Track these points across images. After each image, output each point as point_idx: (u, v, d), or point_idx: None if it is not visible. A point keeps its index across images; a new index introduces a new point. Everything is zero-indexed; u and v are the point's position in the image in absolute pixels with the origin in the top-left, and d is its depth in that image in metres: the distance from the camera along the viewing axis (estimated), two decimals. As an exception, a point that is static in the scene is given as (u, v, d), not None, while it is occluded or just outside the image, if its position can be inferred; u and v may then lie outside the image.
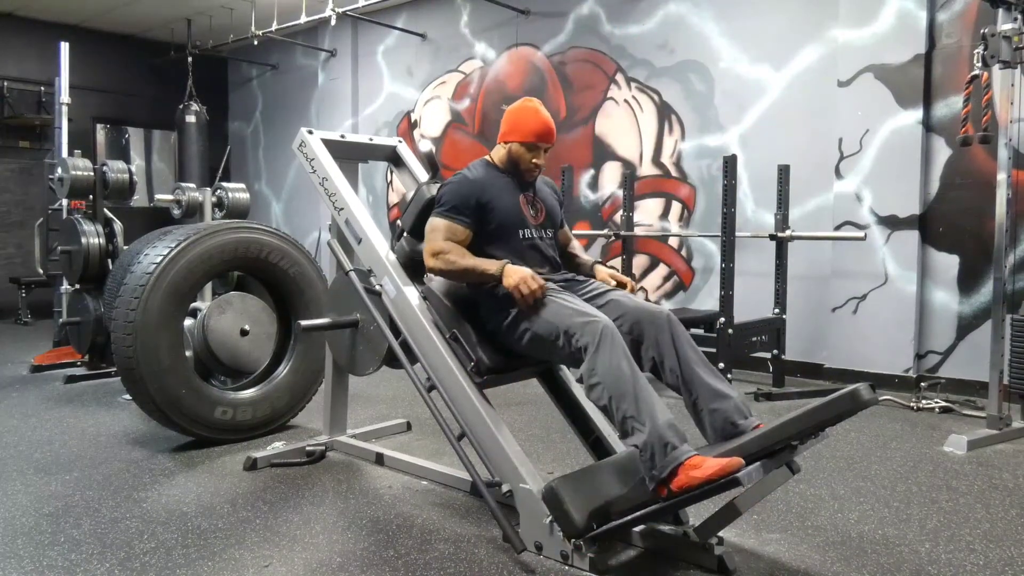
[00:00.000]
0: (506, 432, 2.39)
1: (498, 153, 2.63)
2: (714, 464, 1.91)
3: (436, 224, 2.50)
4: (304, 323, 2.92)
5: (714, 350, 4.31)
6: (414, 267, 2.69)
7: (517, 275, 2.32)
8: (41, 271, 6.40)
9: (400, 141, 3.41)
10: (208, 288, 4.35)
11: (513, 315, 2.37)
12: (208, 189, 4.98)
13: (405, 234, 2.74)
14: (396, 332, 2.65)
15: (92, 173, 5.03)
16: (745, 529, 2.45)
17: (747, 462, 1.90)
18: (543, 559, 2.20)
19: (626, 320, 2.28)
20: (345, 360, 2.98)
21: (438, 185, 2.75)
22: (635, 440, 2.04)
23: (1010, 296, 3.93)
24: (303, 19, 6.67)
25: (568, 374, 2.81)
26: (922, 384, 4.39)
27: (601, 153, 6.18)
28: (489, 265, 2.39)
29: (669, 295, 5.84)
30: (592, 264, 2.69)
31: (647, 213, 5.89)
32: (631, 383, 2.07)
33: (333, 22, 6.50)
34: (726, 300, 4.40)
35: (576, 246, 2.82)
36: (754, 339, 4.59)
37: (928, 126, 4.61)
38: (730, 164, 4.40)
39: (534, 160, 2.55)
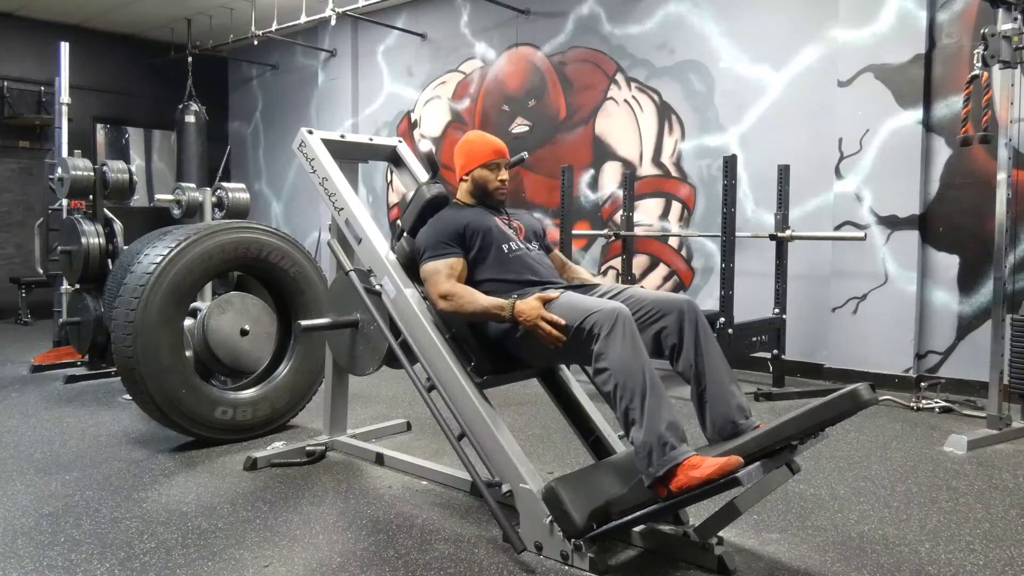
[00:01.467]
0: (506, 432, 2.39)
1: (462, 190, 2.68)
2: (713, 464, 1.90)
3: (433, 268, 2.49)
4: (304, 323, 2.91)
5: (714, 350, 4.31)
6: (414, 267, 2.69)
7: (533, 313, 2.24)
8: (41, 271, 6.39)
9: (400, 141, 3.41)
10: (208, 288, 4.35)
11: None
12: (208, 189, 4.98)
13: (405, 234, 2.74)
14: (396, 332, 2.64)
15: (92, 173, 5.03)
16: (745, 529, 2.45)
17: (747, 462, 1.89)
18: (543, 559, 2.20)
19: (646, 307, 2.26)
20: (345, 360, 2.98)
21: (437, 185, 2.75)
22: (634, 434, 2.03)
23: (1010, 296, 3.93)
24: (303, 19, 6.67)
25: (568, 374, 2.81)
26: (922, 384, 4.39)
27: (601, 153, 6.18)
28: (499, 309, 2.33)
29: (669, 295, 5.84)
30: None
31: (647, 213, 5.89)
32: (639, 374, 2.04)
33: (333, 22, 6.50)
34: (726, 300, 4.40)
35: (578, 269, 2.79)
36: (754, 339, 4.59)
37: (928, 126, 4.61)
38: (730, 164, 4.40)
39: (500, 178, 2.62)
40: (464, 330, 2.51)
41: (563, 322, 2.20)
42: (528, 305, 2.27)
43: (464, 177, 2.65)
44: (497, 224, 2.57)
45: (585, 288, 2.48)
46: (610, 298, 2.35)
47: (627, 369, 2.05)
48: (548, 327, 2.21)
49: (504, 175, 2.63)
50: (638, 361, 2.06)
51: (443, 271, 2.47)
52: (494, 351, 2.48)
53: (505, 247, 2.52)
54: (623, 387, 2.05)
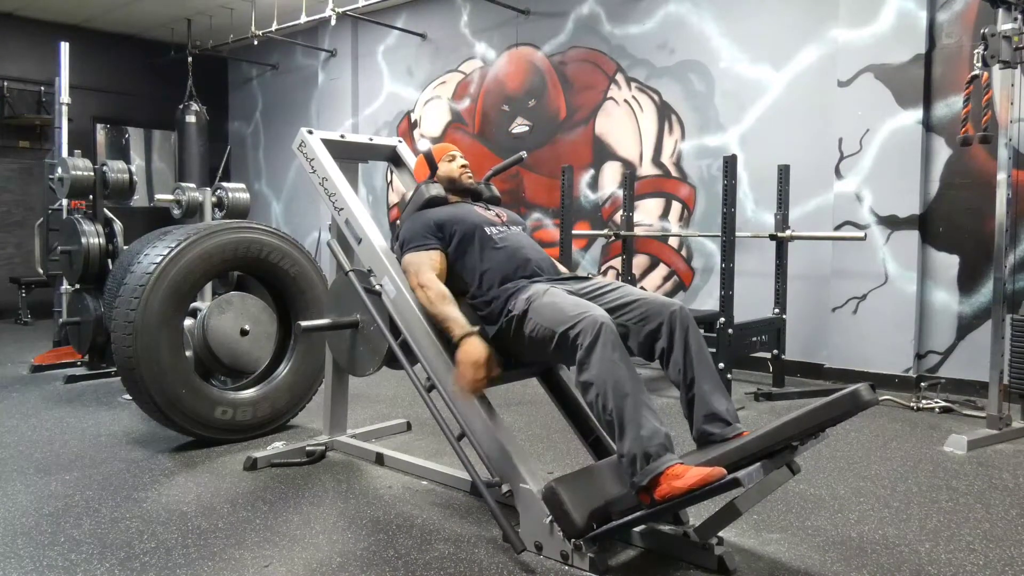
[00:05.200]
0: (506, 432, 2.39)
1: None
2: (696, 474, 1.90)
3: (413, 259, 2.57)
4: (304, 324, 2.91)
5: (714, 350, 4.30)
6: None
7: (469, 356, 2.34)
8: (41, 271, 6.39)
9: (400, 141, 3.41)
10: (208, 288, 4.34)
11: (516, 317, 2.35)
12: (208, 189, 4.98)
13: (405, 234, 2.75)
14: (396, 332, 2.64)
15: (92, 173, 5.03)
16: (745, 529, 2.45)
17: (744, 464, 1.90)
18: (543, 559, 2.20)
19: (639, 308, 2.26)
20: (345, 360, 2.98)
21: (437, 185, 2.76)
22: (617, 443, 2.05)
23: (1010, 296, 3.94)
24: (303, 19, 6.67)
25: (568, 374, 2.81)
26: (922, 384, 4.39)
27: (601, 153, 6.19)
28: (455, 327, 2.40)
29: (669, 295, 5.83)
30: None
31: (647, 213, 5.89)
32: (621, 385, 2.04)
33: (333, 22, 6.50)
34: (726, 300, 4.39)
35: (559, 266, 2.81)
36: (754, 339, 4.58)
37: (928, 126, 4.61)
38: (730, 164, 4.39)
39: (459, 164, 2.84)
40: None
41: (484, 384, 2.35)
42: (474, 349, 2.34)
43: (435, 181, 2.84)
44: (476, 211, 2.67)
45: (578, 282, 2.49)
46: (603, 295, 2.37)
47: (609, 380, 2.05)
48: (471, 375, 2.33)
49: (462, 161, 2.85)
50: (621, 372, 2.06)
51: (425, 262, 2.55)
52: (489, 344, 2.47)
53: (488, 230, 2.59)
54: (605, 397, 2.05)
